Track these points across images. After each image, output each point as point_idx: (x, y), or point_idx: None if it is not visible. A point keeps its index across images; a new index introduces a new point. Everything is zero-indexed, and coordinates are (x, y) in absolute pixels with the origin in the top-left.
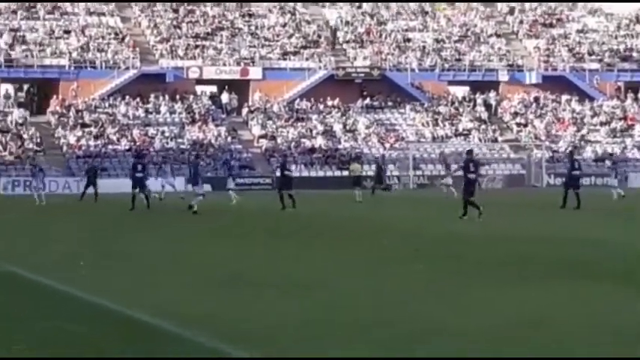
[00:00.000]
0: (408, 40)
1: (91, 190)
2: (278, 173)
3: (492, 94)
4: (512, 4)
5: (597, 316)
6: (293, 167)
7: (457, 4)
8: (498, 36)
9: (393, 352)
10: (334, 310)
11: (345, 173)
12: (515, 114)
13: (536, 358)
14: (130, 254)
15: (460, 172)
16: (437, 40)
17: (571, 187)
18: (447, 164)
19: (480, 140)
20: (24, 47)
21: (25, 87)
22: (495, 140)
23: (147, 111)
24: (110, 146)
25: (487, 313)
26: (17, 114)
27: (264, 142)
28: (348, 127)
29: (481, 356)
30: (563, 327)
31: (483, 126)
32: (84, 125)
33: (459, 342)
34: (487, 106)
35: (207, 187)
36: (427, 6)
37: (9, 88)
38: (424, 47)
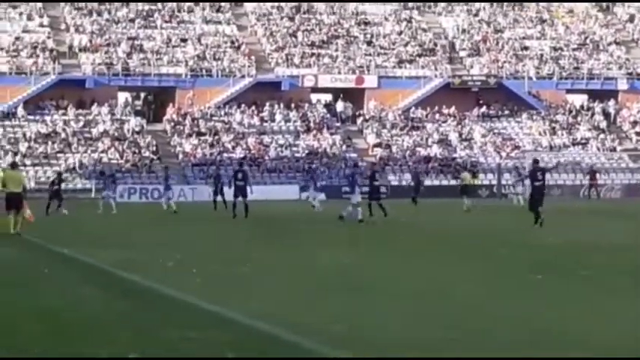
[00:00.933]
0: (526, 48)
1: (218, 197)
2: (368, 183)
3: (611, 102)
4: (632, 12)
5: None
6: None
7: (576, 11)
8: (618, 44)
9: None
10: (451, 319)
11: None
12: (635, 123)
13: None
14: (244, 261)
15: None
16: (555, 48)
17: None
18: (520, 173)
19: (599, 149)
20: (141, 56)
21: (142, 95)
22: (614, 149)
23: (262, 119)
24: (225, 154)
25: (607, 325)
26: (134, 122)
27: (379, 151)
28: (463, 136)
29: None
30: None
31: (602, 135)
32: (199, 133)
33: (586, 352)
34: (606, 114)
35: (321, 196)
36: (545, 14)
37: (127, 96)
38: (542, 55)
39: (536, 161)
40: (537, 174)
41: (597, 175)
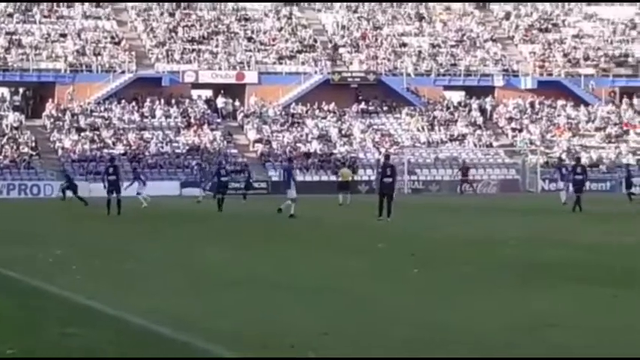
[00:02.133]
0: (404, 44)
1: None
2: (215, 179)
3: (488, 99)
4: (508, 9)
5: (601, 319)
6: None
7: (453, 8)
8: (494, 41)
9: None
10: (330, 313)
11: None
12: (511, 119)
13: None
14: (126, 257)
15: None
16: (433, 45)
17: (577, 191)
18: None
19: (475, 145)
20: (20, 51)
21: (21, 90)
22: (490, 145)
23: (142, 115)
24: (105, 150)
25: (489, 318)
26: (12, 118)
27: (259, 147)
28: (343, 132)
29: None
30: (570, 330)
31: (478, 131)
32: (79, 129)
33: (461, 347)
34: (482, 111)
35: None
36: (423, 10)
37: (4, 91)
38: (420, 52)
39: (387, 157)
40: (387, 170)
41: (470, 171)
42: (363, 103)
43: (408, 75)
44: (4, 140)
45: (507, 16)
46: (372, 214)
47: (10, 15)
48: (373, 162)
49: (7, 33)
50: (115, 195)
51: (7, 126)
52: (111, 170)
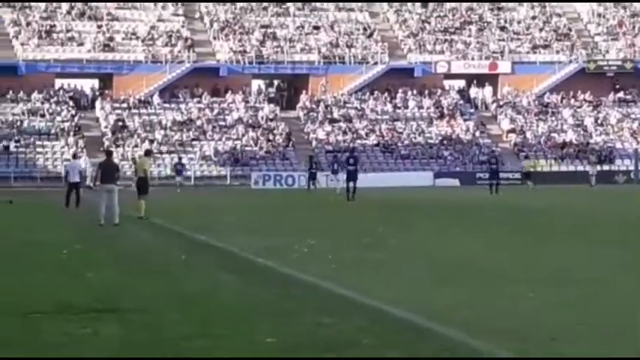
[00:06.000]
0: None
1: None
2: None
3: None
4: None
5: None
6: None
7: None
8: None
9: None
10: (577, 307)
11: (598, 168)
12: None
13: None
14: (378, 247)
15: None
16: None
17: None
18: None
19: None
20: (274, 44)
21: (276, 83)
22: None
23: (395, 106)
24: (359, 141)
25: None
26: (268, 109)
27: (512, 137)
28: (599, 122)
29: None
30: None
31: None
32: (333, 120)
33: None
34: None
35: (455, 182)
36: None
37: (260, 83)
38: None
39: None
40: None
41: None
42: (620, 92)
43: None
44: (260, 132)
45: None
46: (625, 203)
47: (265, 8)
48: (631, 152)
49: (262, 26)
50: (351, 184)
51: (262, 117)
52: (351, 161)
